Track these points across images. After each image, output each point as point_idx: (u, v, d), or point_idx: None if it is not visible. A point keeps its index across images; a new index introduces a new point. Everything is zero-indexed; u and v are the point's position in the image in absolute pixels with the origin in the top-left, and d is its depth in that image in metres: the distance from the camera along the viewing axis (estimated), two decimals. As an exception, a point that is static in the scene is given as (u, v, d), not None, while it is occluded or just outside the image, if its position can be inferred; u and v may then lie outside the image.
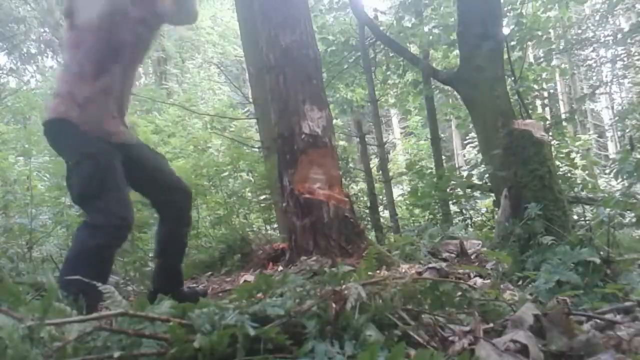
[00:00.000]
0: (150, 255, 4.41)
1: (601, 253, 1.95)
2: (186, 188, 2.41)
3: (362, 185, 8.17)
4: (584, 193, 5.36)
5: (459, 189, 6.13)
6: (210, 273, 3.73)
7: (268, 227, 5.47)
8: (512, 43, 7.20)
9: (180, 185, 2.38)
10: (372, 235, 5.85)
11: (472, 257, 3.31)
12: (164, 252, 2.36)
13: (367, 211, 6.87)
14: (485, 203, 6.74)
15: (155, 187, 2.29)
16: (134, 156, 2.20)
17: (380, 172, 7.96)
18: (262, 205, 5.50)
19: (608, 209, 2.55)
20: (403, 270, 2.59)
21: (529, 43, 7.63)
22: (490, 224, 5.94)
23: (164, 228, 2.34)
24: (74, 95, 2.07)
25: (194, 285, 3.30)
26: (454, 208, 6.80)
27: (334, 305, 0.96)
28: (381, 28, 7.60)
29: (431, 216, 6.62)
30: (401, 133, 20.74)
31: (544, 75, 8.39)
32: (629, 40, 10.57)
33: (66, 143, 2.10)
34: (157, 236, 2.38)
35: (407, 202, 7.39)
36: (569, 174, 5.26)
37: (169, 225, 2.34)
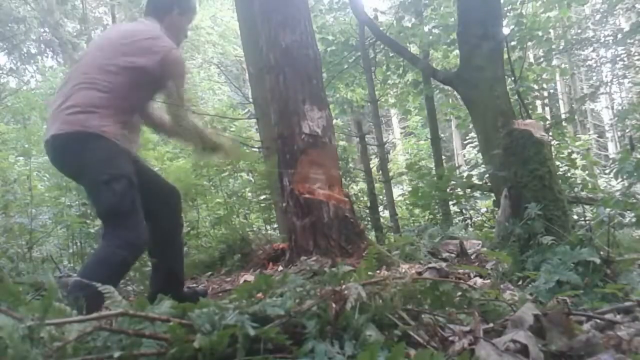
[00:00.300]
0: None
1: (601, 253, 1.95)
2: (175, 189, 2.50)
3: (362, 185, 8.17)
4: (584, 193, 5.36)
5: (459, 189, 6.13)
6: (210, 273, 3.73)
7: (268, 227, 5.47)
8: (512, 43, 7.20)
9: (170, 187, 2.48)
10: (372, 235, 5.85)
11: (472, 257, 3.32)
12: (163, 255, 2.37)
13: (367, 211, 6.87)
14: (485, 203, 6.74)
15: (151, 193, 2.30)
16: (137, 167, 2.24)
17: (380, 172, 7.96)
18: (262, 205, 5.49)
19: (608, 209, 2.55)
20: (403, 270, 2.59)
21: (529, 43, 7.63)
22: (490, 224, 5.94)
23: (159, 231, 2.32)
24: (110, 113, 2.12)
25: (194, 285, 3.30)
26: (454, 208, 6.79)
27: (334, 305, 0.96)
28: (381, 28, 7.60)
29: (431, 216, 6.62)
30: (401, 133, 20.73)
31: (544, 75, 8.39)
32: (629, 40, 10.57)
33: (97, 158, 2.09)
34: (151, 241, 2.36)
35: (407, 202, 7.39)
36: (569, 174, 5.26)
37: (164, 228, 2.35)
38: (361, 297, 0.98)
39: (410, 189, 7.21)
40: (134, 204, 2.08)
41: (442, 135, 12.95)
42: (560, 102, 18.02)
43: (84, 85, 2.13)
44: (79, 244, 4.27)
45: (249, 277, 3.12)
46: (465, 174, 6.52)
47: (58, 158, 2.20)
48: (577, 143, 6.71)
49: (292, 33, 3.18)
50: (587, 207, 4.51)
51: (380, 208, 7.60)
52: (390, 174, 8.62)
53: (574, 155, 5.63)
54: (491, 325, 1.17)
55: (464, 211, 6.55)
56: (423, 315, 1.12)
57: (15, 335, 0.74)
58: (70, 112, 2.09)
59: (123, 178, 2.07)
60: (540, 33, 7.47)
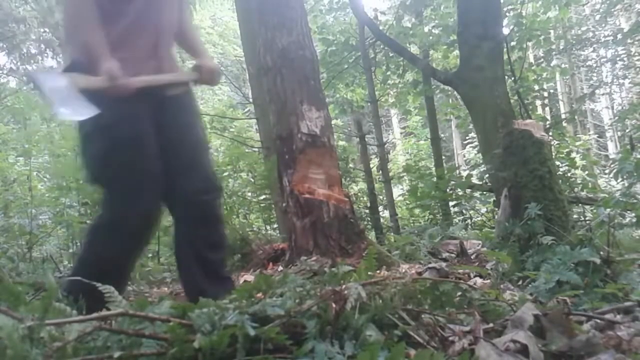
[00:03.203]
0: (149, 255, 4.41)
1: (601, 253, 1.95)
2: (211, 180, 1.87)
3: (362, 185, 8.18)
4: (584, 193, 5.36)
5: (459, 189, 6.13)
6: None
7: (268, 227, 5.47)
8: (512, 43, 7.20)
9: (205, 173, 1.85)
10: (372, 235, 5.86)
11: (472, 257, 3.32)
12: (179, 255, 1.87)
13: (367, 211, 6.88)
14: (486, 204, 6.74)
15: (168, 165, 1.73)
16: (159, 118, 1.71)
17: (380, 172, 7.97)
18: (262, 205, 5.49)
19: (608, 209, 2.55)
20: (403, 270, 2.59)
21: (529, 43, 7.63)
22: (490, 224, 5.95)
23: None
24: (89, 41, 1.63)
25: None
26: (454, 208, 6.80)
27: (334, 305, 0.96)
28: (381, 28, 7.60)
29: (431, 216, 6.63)
30: (401, 133, 20.72)
31: (544, 75, 8.39)
32: (629, 40, 10.57)
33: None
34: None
35: (407, 202, 7.40)
36: (569, 174, 5.27)
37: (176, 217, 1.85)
38: (361, 297, 0.98)
39: (410, 189, 7.21)
40: (129, 168, 1.61)
41: (442, 135, 12.96)
42: (560, 102, 18.02)
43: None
44: (79, 244, 4.27)
45: (249, 277, 3.11)
46: (465, 174, 6.53)
47: None
48: (577, 143, 6.71)
49: (289, 35, 3.22)
50: (587, 207, 4.51)
51: (380, 208, 7.61)
52: (390, 174, 8.62)
53: (573, 155, 5.63)
54: (491, 325, 1.17)
55: (464, 211, 6.55)
56: (423, 315, 1.12)
57: (15, 335, 0.74)
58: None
59: (110, 130, 1.59)
60: (540, 33, 7.47)
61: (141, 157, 1.64)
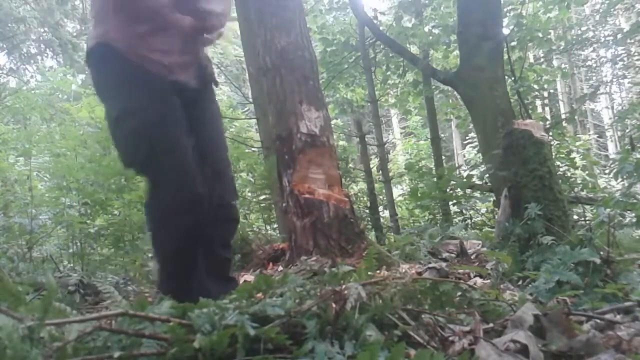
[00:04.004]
0: (149, 255, 4.41)
1: (601, 253, 1.95)
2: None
3: (362, 185, 8.17)
4: (584, 193, 5.36)
5: (459, 189, 6.13)
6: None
7: (268, 227, 5.47)
8: (512, 43, 7.20)
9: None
10: (372, 235, 5.86)
11: (472, 257, 3.32)
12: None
13: (367, 211, 6.88)
14: (485, 203, 6.74)
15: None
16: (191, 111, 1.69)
17: (380, 172, 7.96)
18: (262, 205, 5.49)
19: (608, 209, 2.55)
20: (403, 270, 2.59)
21: (529, 44, 7.63)
22: (491, 224, 5.94)
23: None
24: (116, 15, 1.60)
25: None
26: (453, 208, 6.80)
27: (334, 305, 0.96)
28: (381, 28, 7.60)
29: (431, 216, 6.62)
30: (401, 133, 20.72)
31: (545, 77, 8.39)
32: (629, 40, 10.57)
33: (105, 84, 1.63)
34: None
35: (407, 202, 7.39)
36: (569, 174, 5.26)
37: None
38: (361, 297, 0.98)
39: (410, 189, 7.21)
40: (159, 151, 1.56)
41: (442, 135, 12.94)
42: (560, 102, 18.02)
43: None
44: (79, 244, 4.27)
45: (249, 277, 3.11)
46: (465, 174, 6.52)
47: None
48: (577, 143, 6.71)
49: (288, 36, 3.24)
50: (587, 207, 4.51)
51: (380, 208, 7.60)
52: (390, 174, 8.62)
53: (573, 155, 5.63)
54: (491, 325, 1.17)
55: (464, 211, 6.55)
56: (423, 315, 1.12)
57: (15, 335, 0.74)
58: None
59: (137, 114, 1.57)
60: (540, 34, 7.47)
61: (169, 140, 1.59)
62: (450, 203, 6.59)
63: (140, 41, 1.61)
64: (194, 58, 1.75)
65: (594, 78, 18.02)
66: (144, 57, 1.61)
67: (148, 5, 1.60)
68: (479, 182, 6.00)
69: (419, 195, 6.15)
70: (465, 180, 5.98)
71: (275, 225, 5.39)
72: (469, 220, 6.38)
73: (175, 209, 1.60)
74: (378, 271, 2.41)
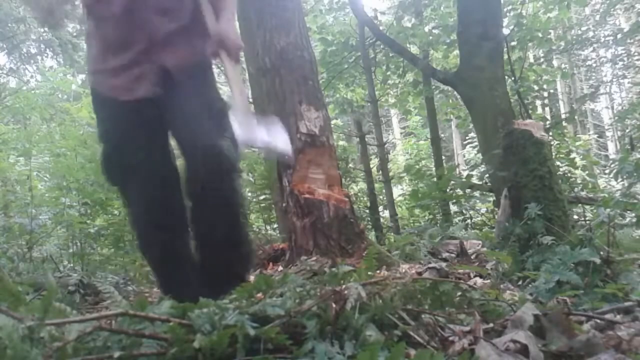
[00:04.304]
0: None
1: (601, 253, 1.95)
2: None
3: (362, 185, 8.17)
4: (584, 193, 5.36)
5: (459, 189, 6.13)
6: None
7: (268, 227, 5.47)
8: (512, 43, 7.20)
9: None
10: (372, 235, 5.86)
11: (472, 257, 3.32)
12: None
13: (367, 211, 6.87)
14: (485, 203, 6.74)
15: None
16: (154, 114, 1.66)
17: (380, 172, 7.96)
18: (262, 205, 5.49)
19: (608, 209, 2.55)
20: (403, 270, 2.59)
21: (530, 44, 7.63)
22: (490, 224, 5.94)
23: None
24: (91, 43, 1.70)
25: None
26: (454, 208, 6.80)
27: (334, 305, 0.96)
28: (381, 28, 7.60)
29: (431, 216, 6.62)
30: (401, 133, 20.72)
31: (545, 77, 8.38)
32: (628, 40, 10.57)
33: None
34: None
35: (407, 202, 7.39)
36: (569, 174, 5.26)
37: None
38: (361, 297, 0.98)
39: (410, 188, 7.21)
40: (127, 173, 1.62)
41: (442, 135, 12.95)
42: (560, 102, 18.02)
43: None
44: (79, 244, 4.27)
45: (249, 277, 3.11)
46: (465, 174, 6.52)
47: None
48: (577, 143, 6.71)
49: (287, 36, 3.25)
50: (587, 207, 4.51)
51: (380, 208, 7.60)
52: (390, 174, 8.61)
53: (573, 155, 5.63)
54: (491, 325, 1.17)
55: (464, 211, 6.55)
56: (423, 315, 1.12)
57: (15, 335, 0.74)
58: None
59: (102, 141, 1.66)
60: (540, 34, 7.47)
61: (129, 168, 1.63)
62: (450, 203, 6.59)
63: (95, 63, 1.68)
64: (153, 66, 1.63)
65: (594, 78, 18.03)
66: (100, 82, 1.68)
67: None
68: (479, 182, 6.00)
69: (419, 196, 6.15)
70: (465, 180, 5.98)
71: (275, 225, 5.38)
72: (469, 220, 6.37)
73: (145, 231, 1.68)
74: (378, 271, 2.41)
